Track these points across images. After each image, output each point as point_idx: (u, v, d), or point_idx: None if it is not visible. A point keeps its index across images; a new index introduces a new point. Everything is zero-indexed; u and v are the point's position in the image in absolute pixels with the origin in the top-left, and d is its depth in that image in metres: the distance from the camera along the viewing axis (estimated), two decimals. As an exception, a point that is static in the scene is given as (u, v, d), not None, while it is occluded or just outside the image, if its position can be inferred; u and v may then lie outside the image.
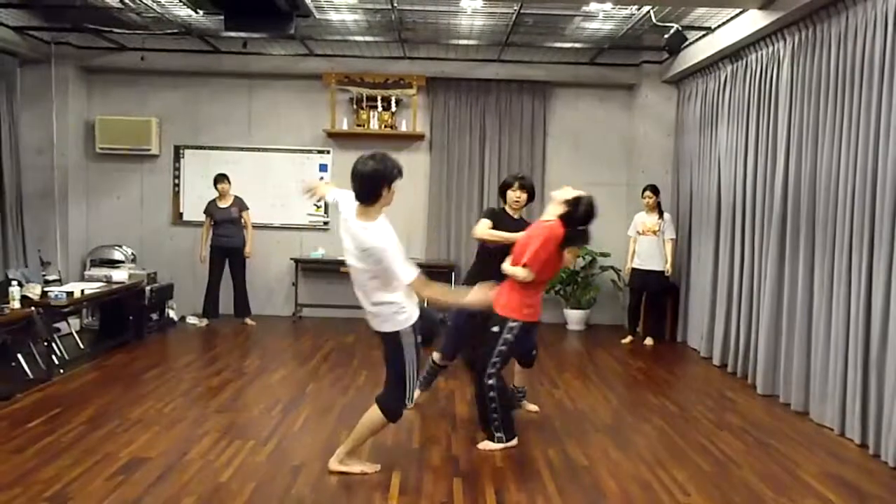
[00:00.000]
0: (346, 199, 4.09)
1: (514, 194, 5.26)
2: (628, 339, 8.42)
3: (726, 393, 6.32)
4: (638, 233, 8.22)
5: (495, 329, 4.62)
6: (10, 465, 4.21)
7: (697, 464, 4.57)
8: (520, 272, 4.54)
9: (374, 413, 4.14)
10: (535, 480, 4.21)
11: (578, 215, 4.54)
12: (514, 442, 4.74)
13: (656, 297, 8.42)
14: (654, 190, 8.21)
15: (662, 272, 8.16)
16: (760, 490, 4.16)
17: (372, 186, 3.88)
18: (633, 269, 8.27)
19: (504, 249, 4.88)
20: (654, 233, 8.13)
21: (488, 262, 4.99)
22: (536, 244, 4.51)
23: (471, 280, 4.99)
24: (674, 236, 8.22)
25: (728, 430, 5.26)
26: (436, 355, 5.49)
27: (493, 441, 4.70)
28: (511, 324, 4.61)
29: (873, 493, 4.17)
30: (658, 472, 4.40)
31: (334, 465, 4.21)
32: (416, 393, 5.10)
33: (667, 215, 8.26)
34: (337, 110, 9.27)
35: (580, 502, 3.95)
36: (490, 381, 4.63)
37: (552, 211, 4.63)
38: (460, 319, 5.21)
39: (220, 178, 8.70)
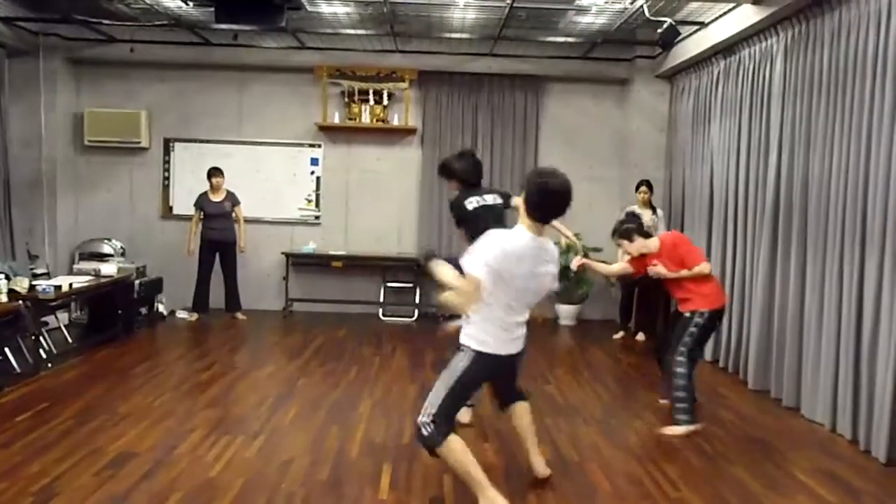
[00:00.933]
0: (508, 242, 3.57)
1: None
2: (620, 334, 8.42)
3: (718, 389, 6.31)
4: (630, 228, 8.20)
5: (686, 315, 5.16)
6: (-3, 460, 4.17)
7: (688, 459, 4.56)
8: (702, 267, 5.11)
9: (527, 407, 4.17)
10: (525, 476, 4.19)
11: (630, 225, 5.46)
12: (698, 427, 5.02)
13: (648, 292, 8.40)
14: (650, 185, 8.20)
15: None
16: (751, 486, 4.16)
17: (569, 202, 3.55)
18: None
19: None
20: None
21: None
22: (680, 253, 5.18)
23: None
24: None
25: (719, 425, 5.26)
26: None
27: (678, 425, 5.02)
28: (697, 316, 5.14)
29: (864, 489, 4.17)
30: (649, 467, 4.40)
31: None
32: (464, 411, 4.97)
33: (659, 211, 8.26)
34: (328, 104, 9.22)
35: (571, 498, 3.94)
36: (678, 361, 5.08)
37: (644, 245, 5.33)
38: None
39: (215, 172, 8.63)
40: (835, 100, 5.30)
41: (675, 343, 5.15)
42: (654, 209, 8.22)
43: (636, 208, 8.21)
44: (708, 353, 7.28)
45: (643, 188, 8.18)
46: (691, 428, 5.00)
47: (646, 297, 8.44)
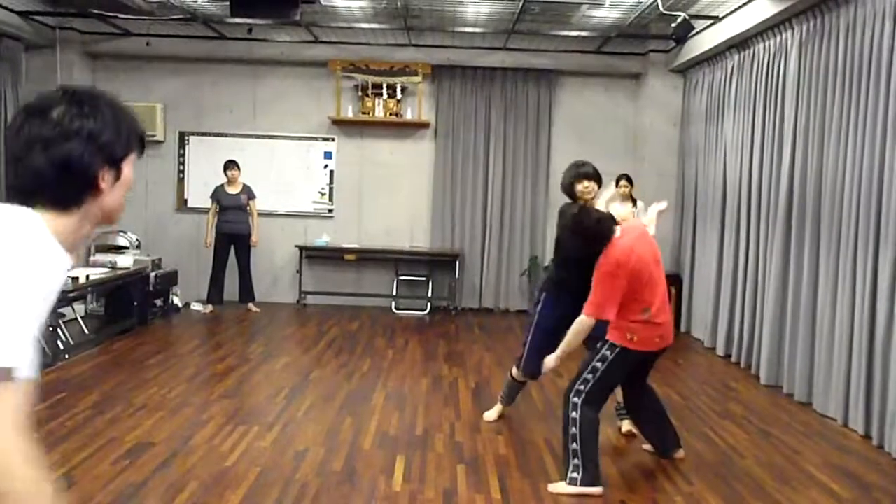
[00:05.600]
0: None
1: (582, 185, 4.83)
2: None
3: (730, 383, 6.32)
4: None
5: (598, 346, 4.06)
6: (16, 448, 4.23)
7: (700, 453, 4.58)
8: None
9: None
10: (538, 468, 4.23)
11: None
12: (598, 490, 3.86)
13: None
14: (629, 179, 8.06)
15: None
16: (763, 480, 4.17)
17: None
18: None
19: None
20: (627, 222, 8.00)
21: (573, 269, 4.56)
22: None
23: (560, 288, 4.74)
24: (653, 231, 8.01)
25: (731, 419, 5.27)
26: (515, 371, 4.99)
27: (566, 481, 3.89)
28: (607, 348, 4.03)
29: (877, 484, 4.18)
30: (661, 460, 4.42)
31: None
32: (499, 408, 5.11)
33: (640, 203, 8.09)
34: (342, 97, 9.25)
35: (583, 490, 3.96)
36: (572, 406, 3.95)
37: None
38: (542, 337, 4.76)
39: (231, 165, 8.68)
40: (849, 95, 5.28)
41: (575, 378, 4.04)
42: (634, 202, 8.03)
43: (617, 203, 8.01)
44: (720, 347, 7.29)
45: (623, 182, 7.94)
46: (585, 490, 3.83)
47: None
